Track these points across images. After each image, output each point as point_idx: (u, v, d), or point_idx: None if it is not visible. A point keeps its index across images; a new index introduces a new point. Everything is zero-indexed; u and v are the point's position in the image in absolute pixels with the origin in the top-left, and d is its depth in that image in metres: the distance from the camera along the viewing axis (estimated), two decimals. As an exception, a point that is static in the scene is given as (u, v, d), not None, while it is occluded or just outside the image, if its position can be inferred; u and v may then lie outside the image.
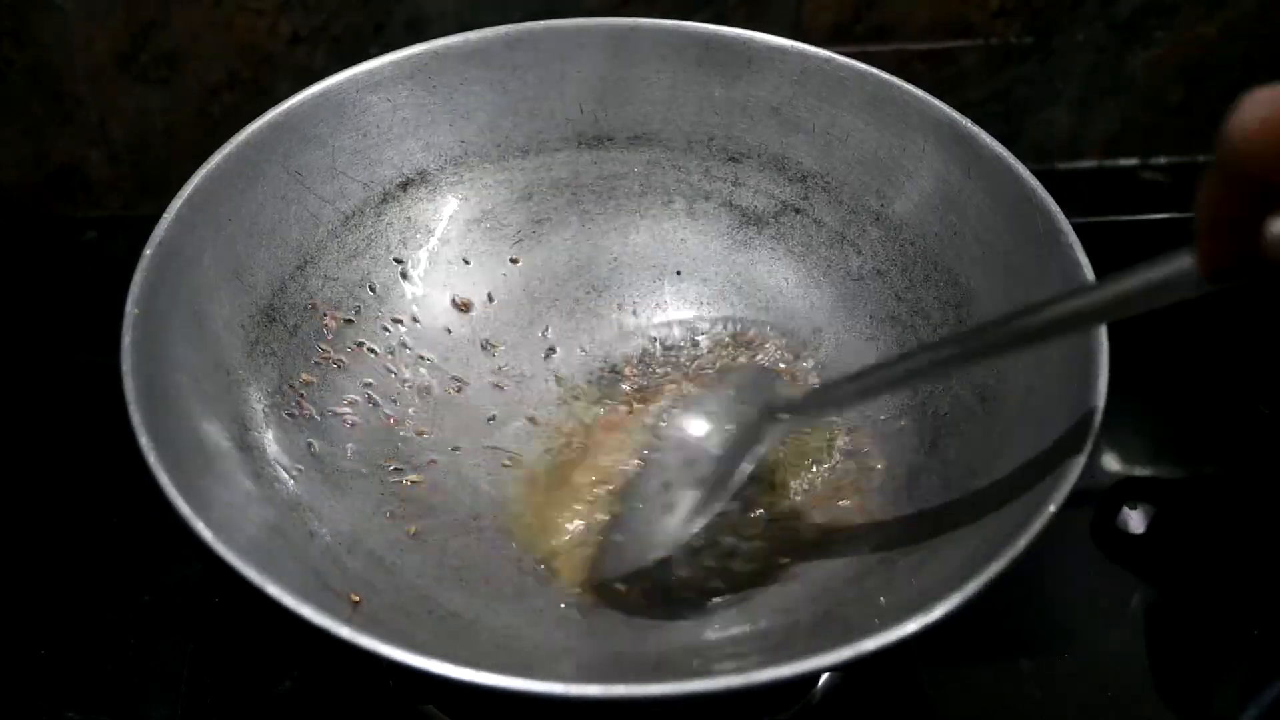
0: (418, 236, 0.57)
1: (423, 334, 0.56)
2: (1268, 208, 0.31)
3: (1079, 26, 0.72)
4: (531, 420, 0.54)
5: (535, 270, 0.59)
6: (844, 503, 0.50)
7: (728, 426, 0.49)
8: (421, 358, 0.55)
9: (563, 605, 0.47)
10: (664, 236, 0.59)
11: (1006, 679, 0.53)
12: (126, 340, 0.42)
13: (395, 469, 0.51)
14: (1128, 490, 0.61)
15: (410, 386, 0.54)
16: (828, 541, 0.49)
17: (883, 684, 0.52)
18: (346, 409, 0.52)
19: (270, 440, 0.48)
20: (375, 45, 0.68)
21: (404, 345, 0.55)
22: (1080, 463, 0.40)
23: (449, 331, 0.56)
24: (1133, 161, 0.80)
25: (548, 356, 0.57)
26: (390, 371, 0.54)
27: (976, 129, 0.51)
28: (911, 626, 0.36)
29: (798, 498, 0.51)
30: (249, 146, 0.50)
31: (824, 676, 0.51)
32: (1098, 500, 0.60)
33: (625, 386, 0.56)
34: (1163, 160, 0.80)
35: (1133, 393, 0.59)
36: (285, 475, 0.47)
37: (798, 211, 0.57)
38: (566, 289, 0.59)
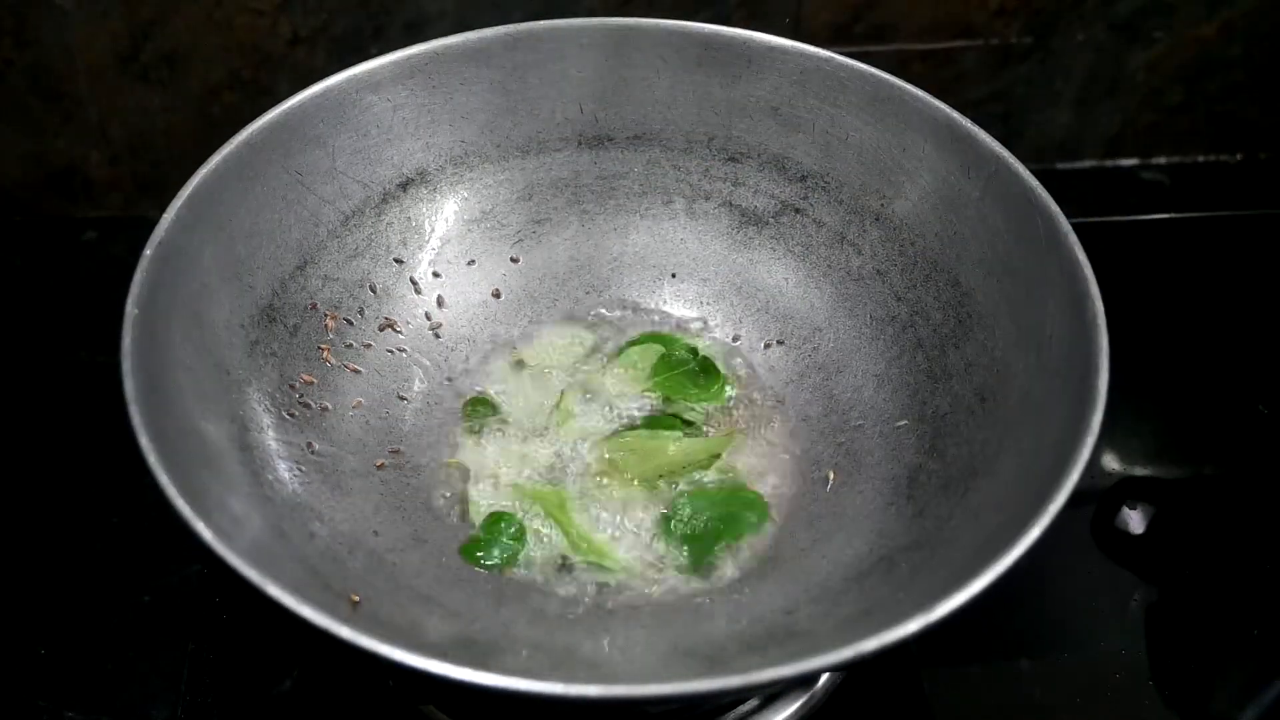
0: (418, 236, 0.57)
1: (423, 333, 0.56)
2: None
3: (1079, 27, 0.72)
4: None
5: (536, 270, 0.59)
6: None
7: None
8: (421, 358, 0.55)
9: (563, 605, 0.47)
10: (664, 236, 0.59)
11: (1006, 679, 0.53)
12: (127, 340, 0.42)
13: (395, 468, 0.51)
14: (1128, 490, 0.61)
15: (411, 386, 0.54)
16: (827, 541, 0.49)
17: (883, 684, 0.52)
18: (347, 409, 0.52)
19: (270, 440, 0.48)
20: (375, 45, 0.68)
21: (404, 345, 0.55)
22: (1080, 462, 0.40)
23: (449, 331, 0.57)
24: (1132, 161, 0.80)
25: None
26: (390, 371, 0.54)
27: (976, 129, 0.51)
28: (911, 626, 0.36)
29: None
30: (249, 147, 0.50)
31: (824, 676, 0.51)
32: (1098, 500, 0.60)
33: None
34: (1162, 160, 0.80)
35: (1133, 393, 0.59)
36: (285, 475, 0.47)
37: (798, 211, 0.57)
38: (567, 288, 0.59)
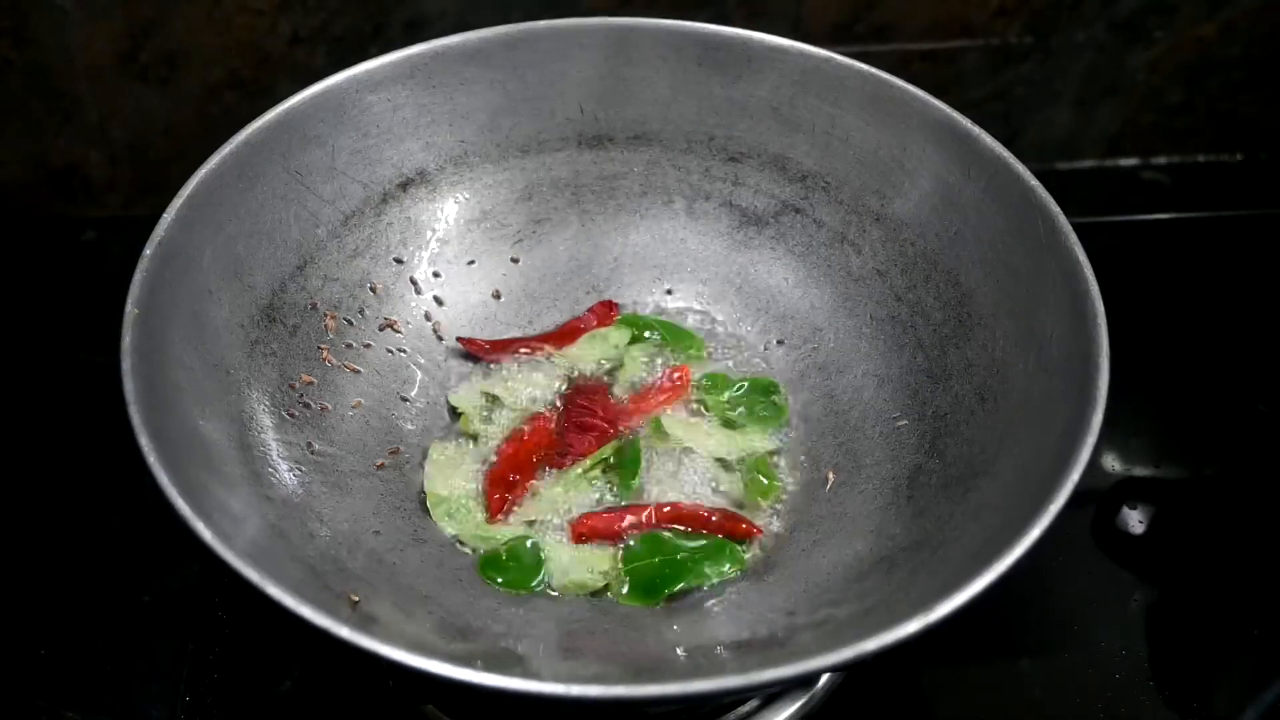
0: (418, 236, 0.57)
1: (423, 334, 0.56)
2: None
3: (1079, 27, 0.72)
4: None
5: (536, 270, 0.59)
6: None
7: None
8: (421, 357, 0.55)
9: (563, 606, 0.47)
10: (664, 236, 0.59)
11: (1006, 679, 0.53)
12: (126, 340, 0.42)
13: (395, 468, 0.51)
14: (1128, 490, 0.61)
15: (411, 386, 0.54)
16: (827, 541, 0.49)
17: (883, 684, 0.52)
18: (347, 409, 0.52)
19: (270, 440, 0.48)
20: (375, 45, 0.68)
21: (404, 345, 0.55)
22: (1081, 463, 0.40)
23: (450, 331, 0.56)
24: (1133, 161, 0.80)
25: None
26: (390, 371, 0.54)
27: (976, 129, 0.51)
28: (911, 626, 0.36)
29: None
30: (249, 146, 0.50)
31: (824, 676, 0.51)
32: (1098, 500, 0.60)
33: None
34: (1163, 160, 0.80)
35: (1133, 393, 0.59)
36: (285, 475, 0.47)
37: (798, 211, 0.57)
38: (567, 289, 0.59)
